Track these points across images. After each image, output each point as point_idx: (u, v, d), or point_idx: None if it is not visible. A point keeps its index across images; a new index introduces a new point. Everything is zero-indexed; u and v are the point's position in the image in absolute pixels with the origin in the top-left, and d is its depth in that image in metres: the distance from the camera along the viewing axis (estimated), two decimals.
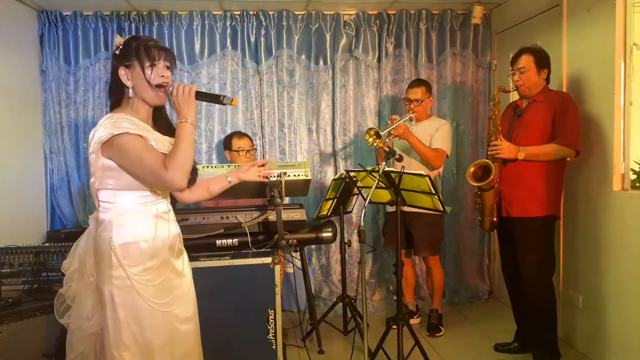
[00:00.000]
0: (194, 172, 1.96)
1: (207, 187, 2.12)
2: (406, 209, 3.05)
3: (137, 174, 1.76)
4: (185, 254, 1.99)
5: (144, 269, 1.78)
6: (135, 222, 1.79)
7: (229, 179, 2.16)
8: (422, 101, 3.54)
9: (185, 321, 1.90)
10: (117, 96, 1.84)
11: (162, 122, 1.93)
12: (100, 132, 1.71)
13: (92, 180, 1.81)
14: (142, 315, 1.77)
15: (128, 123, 1.73)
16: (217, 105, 4.09)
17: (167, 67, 1.83)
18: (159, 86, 1.81)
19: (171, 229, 1.90)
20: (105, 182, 1.77)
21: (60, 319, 1.86)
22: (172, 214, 1.93)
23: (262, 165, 2.31)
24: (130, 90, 1.80)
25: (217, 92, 4.07)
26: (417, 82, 3.63)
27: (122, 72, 1.78)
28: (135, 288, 1.75)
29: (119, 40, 1.82)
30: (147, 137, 1.77)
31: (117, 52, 1.81)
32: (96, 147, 1.72)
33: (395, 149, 3.09)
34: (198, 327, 1.98)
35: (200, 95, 1.84)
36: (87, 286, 1.80)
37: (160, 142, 1.82)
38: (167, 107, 1.92)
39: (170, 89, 1.81)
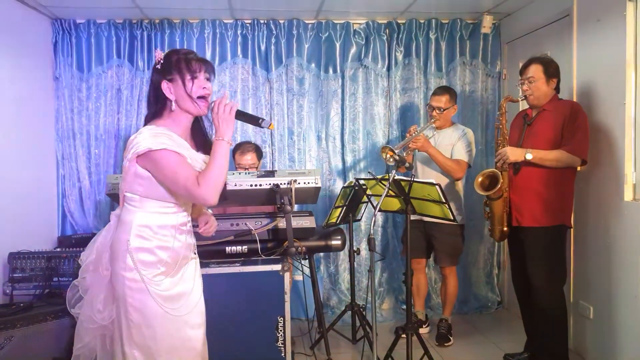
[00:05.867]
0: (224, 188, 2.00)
1: None
2: (426, 219, 3.04)
3: (170, 188, 1.81)
4: (196, 262, 2.03)
5: (159, 273, 1.82)
6: (154, 230, 1.83)
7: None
8: (444, 109, 3.49)
9: (195, 327, 1.93)
10: (157, 108, 1.87)
11: (199, 135, 1.98)
12: (140, 142, 1.74)
13: (121, 182, 1.86)
14: (154, 319, 1.81)
15: (167, 139, 1.77)
16: None
17: (207, 79, 1.87)
18: (201, 97, 1.84)
19: (187, 239, 1.95)
20: (134, 187, 1.82)
21: (71, 309, 1.92)
22: (189, 225, 1.98)
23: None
24: (174, 104, 1.83)
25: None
26: (442, 90, 3.54)
27: (165, 86, 1.81)
28: (150, 292, 1.79)
29: (159, 54, 1.86)
30: (184, 154, 1.80)
31: (159, 66, 1.84)
32: (131, 157, 1.77)
33: (405, 158, 3.09)
34: (205, 334, 2.01)
35: (240, 115, 1.86)
36: (101, 279, 1.85)
37: (194, 159, 1.86)
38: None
39: (212, 105, 1.84)
